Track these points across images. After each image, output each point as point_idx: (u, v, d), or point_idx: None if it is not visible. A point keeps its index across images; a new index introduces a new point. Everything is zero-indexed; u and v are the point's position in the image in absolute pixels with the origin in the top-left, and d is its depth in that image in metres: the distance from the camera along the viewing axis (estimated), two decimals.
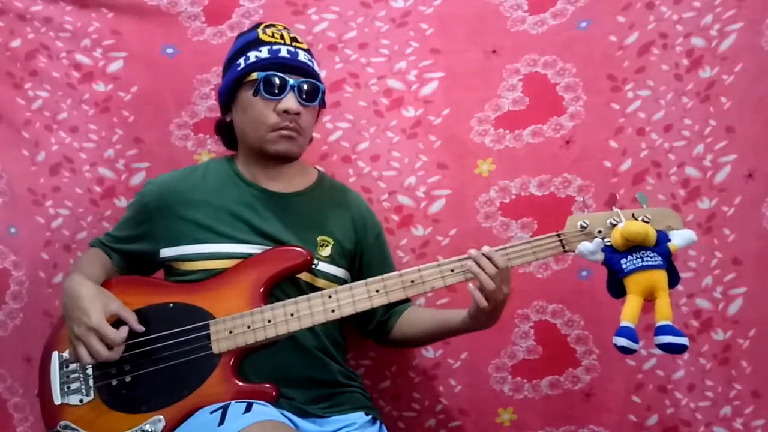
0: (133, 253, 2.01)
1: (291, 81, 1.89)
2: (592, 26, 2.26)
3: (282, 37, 1.96)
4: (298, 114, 1.91)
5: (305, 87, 1.92)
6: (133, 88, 2.39)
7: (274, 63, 1.90)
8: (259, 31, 1.97)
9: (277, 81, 1.88)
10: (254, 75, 1.88)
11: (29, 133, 2.40)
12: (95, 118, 2.40)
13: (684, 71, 2.21)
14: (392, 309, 2.07)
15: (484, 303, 1.73)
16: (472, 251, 1.75)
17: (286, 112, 1.89)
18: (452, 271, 1.77)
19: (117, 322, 1.76)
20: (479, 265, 1.73)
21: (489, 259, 1.73)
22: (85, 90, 2.40)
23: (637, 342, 1.59)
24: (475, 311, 1.80)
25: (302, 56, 1.95)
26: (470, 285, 1.75)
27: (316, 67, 2.00)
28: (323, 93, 1.98)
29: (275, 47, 1.93)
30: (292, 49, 1.94)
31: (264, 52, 1.91)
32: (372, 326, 2.09)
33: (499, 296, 1.75)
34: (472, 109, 2.32)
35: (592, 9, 2.26)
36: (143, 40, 2.40)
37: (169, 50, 2.38)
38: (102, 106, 2.39)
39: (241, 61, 1.93)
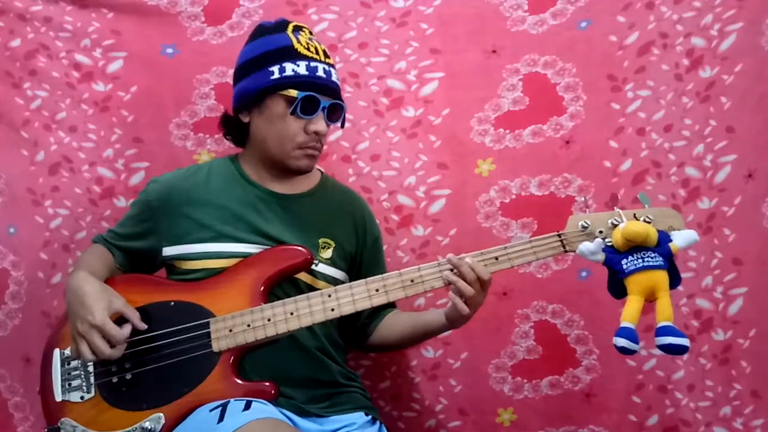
0: (135, 251, 2.01)
1: (323, 102, 1.89)
2: (592, 26, 2.26)
3: (316, 50, 1.94)
4: (324, 134, 1.93)
5: (333, 108, 1.93)
6: (132, 88, 2.39)
7: (312, 82, 1.89)
8: (291, 35, 1.94)
9: (314, 101, 1.88)
10: (293, 92, 1.86)
11: (28, 132, 2.40)
12: (94, 117, 2.40)
13: (684, 71, 2.21)
14: (376, 313, 2.07)
15: (466, 311, 1.73)
16: (452, 257, 1.75)
17: (315, 132, 1.90)
18: (452, 270, 1.76)
19: (120, 320, 1.76)
20: (460, 273, 1.73)
21: (473, 269, 1.72)
22: (85, 90, 2.40)
23: (637, 343, 1.58)
24: (452, 314, 1.81)
25: (334, 76, 1.94)
26: (451, 293, 1.76)
27: (340, 84, 2.00)
28: (345, 112, 1.99)
29: (313, 64, 1.90)
30: (327, 68, 1.93)
31: (302, 68, 1.89)
32: (358, 325, 2.09)
33: (479, 301, 1.76)
34: (472, 109, 2.32)
35: (592, 9, 2.26)
36: (143, 40, 2.40)
37: (169, 50, 2.38)
38: (101, 105, 2.39)
39: (275, 69, 1.89)
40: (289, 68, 1.89)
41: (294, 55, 1.90)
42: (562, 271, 2.27)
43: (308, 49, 1.92)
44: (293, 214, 1.98)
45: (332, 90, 1.93)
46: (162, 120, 2.39)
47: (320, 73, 1.90)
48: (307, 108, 1.87)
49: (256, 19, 2.36)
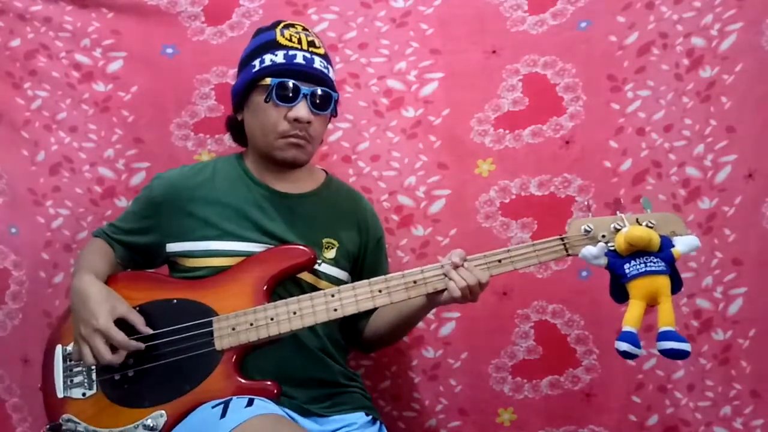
0: (136, 246, 2.00)
1: (304, 89, 1.87)
2: (592, 26, 2.27)
3: (300, 41, 1.93)
4: (308, 122, 1.89)
5: (318, 95, 1.90)
6: (132, 88, 2.40)
7: (289, 69, 1.88)
8: (278, 31, 1.95)
9: (290, 88, 1.86)
10: (268, 80, 1.87)
11: (29, 133, 2.40)
12: (95, 117, 2.40)
13: (684, 71, 2.22)
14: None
15: (457, 293, 1.72)
16: (456, 259, 1.75)
17: (297, 120, 1.87)
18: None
19: (124, 323, 1.76)
20: (461, 276, 1.73)
21: (476, 276, 1.73)
22: (85, 90, 2.40)
23: (639, 347, 1.58)
24: (440, 301, 1.80)
25: (318, 63, 1.92)
26: (447, 280, 1.74)
27: (331, 74, 1.97)
28: (336, 101, 1.96)
29: (291, 52, 1.90)
30: (308, 55, 1.91)
31: (279, 57, 1.89)
32: (358, 325, 2.09)
33: (475, 299, 1.77)
34: (472, 109, 2.33)
35: (592, 9, 2.27)
36: (143, 40, 2.40)
37: (169, 50, 2.39)
38: (102, 105, 2.40)
39: (257, 63, 1.91)
40: (268, 59, 1.90)
41: (274, 47, 1.92)
42: (562, 271, 2.28)
43: (290, 40, 1.92)
44: (297, 213, 1.97)
45: (315, 77, 1.91)
46: (162, 120, 2.39)
47: (299, 60, 1.90)
48: (285, 95, 1.87)
49: (256, 19, 2.36)
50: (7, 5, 2.39)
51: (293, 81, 1.87)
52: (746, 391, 2.21)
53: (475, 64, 2.33)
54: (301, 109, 1.87)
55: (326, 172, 2.14)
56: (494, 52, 2.32)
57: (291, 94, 1.87)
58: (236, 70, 2.04)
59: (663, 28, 2.23)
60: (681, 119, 2.22)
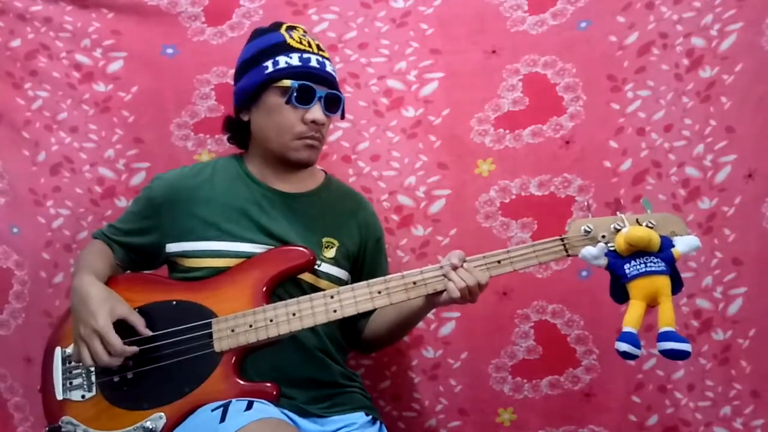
0: (136, 247, 2.00)
1: (319, 91, 1.90)
2: (592, 26, 2.27)
3: (309, 44, 1.96)
4: (323, 124, 1.92)
5: (330, 97, 1.93)
6: (133, 88, 2.39)
7: (305, 72, 1.90)
8: (284, 33, 1.96)
9: (309, 91, 1.88)
10: (287, 82, 1.88)
11: (29, 133, 2.40)
12: (95, 118, 2.40)
13: (684, 71, 2.22)
14: None
15: (456, 294, 1.72)
16: (455, 260, 1.74)
17: (313, 122, 1.89)
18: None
19: (125, 324, 1.76)
20: (460, 277, 1.73)
21: (475, 277, 1.73)
22: (85, 90, 2.40)
23: (639, 347, 1.58)
24: (439, 302, 1.80)
25: (328, 67, 1.96)
26: (446, 281, 1.74)
27: (337, 77, 2.00)
28: (344, 103, 1.98)
29: (305, 55, 1.92)
30: (320, 59, 1.94)
31: (295, 60, 1.91)
32: (358, 326, 2.09)
33: (474, 300, 1.77)
34: (472, 109, 2.33)
35: (592, 9, 2.27)
36: (143, 40, 2.39)
37: (169, 50, 2.38)
38: (102, 106, 2.39)
39: (269, 64, 1.91)
40: (282, 61, 1.91)
41: (286, 49, 1.93)
42: (562, 271, 2.27)
43: (300, 42, 1.94)
44: (297, 212, 1.98)
45: (327, 80, 1.94)
46: (163, 120, 2.39)
47: (313, 63, 1.92)
48: (303, 97, 1.88)
49: (256, 19, 2.36)
50: (7, 5, 2.38)
51: (311, 84, 1.89)
52: (746, 391, 2.21)
53: (475, 64, 2.33)
54: (317, 111, 1.90)
55: (325, 172, 2.15)
56: (494, 52, 2.32)
57: (308, 97, 1.89)
58: (236, 70, 2.03)
59: (663, 28, 2.23)
60: (681, 119, 2.22)
